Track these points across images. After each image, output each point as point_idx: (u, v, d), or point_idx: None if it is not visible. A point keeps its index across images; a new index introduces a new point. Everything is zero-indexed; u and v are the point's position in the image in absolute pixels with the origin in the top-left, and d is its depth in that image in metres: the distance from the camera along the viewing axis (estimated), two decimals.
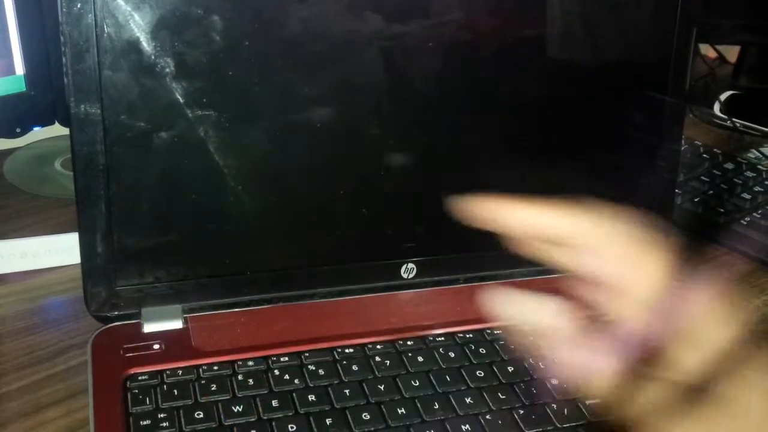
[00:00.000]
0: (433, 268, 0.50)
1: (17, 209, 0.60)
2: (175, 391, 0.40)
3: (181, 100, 0.42)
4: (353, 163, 0.47)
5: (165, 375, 0.41)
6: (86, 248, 0.43)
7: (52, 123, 0.58)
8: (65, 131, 0.61)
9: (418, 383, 0.42)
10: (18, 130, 0.56)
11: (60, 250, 0.52)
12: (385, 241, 0.49)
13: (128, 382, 0.41)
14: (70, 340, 0.46)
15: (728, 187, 0.64)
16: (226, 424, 0.39)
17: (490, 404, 0.42)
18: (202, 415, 0.39)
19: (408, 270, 0.50)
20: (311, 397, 0.41)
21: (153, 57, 0.41)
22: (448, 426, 0.40)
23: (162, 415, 0.38)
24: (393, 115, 0.47)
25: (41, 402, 0.42)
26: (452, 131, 0.49)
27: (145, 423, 0.38)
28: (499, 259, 0.52)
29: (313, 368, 0.43)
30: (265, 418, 0.39)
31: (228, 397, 0.40)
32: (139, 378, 0.41)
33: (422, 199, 0.49)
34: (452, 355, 0.45)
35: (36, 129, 0.58)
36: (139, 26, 0.41)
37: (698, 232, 0.61)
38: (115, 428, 0.38)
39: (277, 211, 0.46)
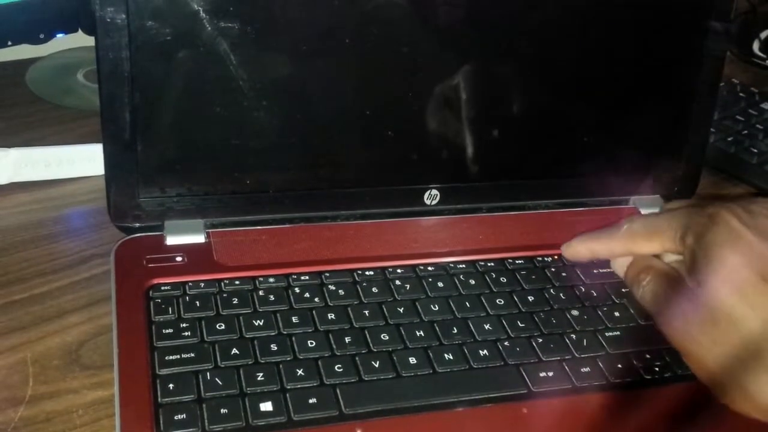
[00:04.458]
0: (456, 196, 0.50)
1: (40, 118, 0.60)
2: (197, 303, 0.40)
3: (209, 8, 0.41)
4: (381, 83, 0.46)
5: (187, 287, 0.41)
6: (110, 157, 0.43)
7: (76, 30, 0.57)
8: (88, 42, 0.60)
9: (437, 308, 0.43)
10: (41, 35, 0.55)
11: (84, 159, 0.52)
12: (410, 166, 0.49)
13: (151, 292, 0.41)
14: (93, 249, 0.47)
15: (763, 128, 0.62)
16: (246, 336, 0.39)
17: (509, 331, 0.42)
18: (223, 327, 0.39)
19: (431, 196, 0.49)
20: (331, 316, 0.41)
21: None
22: (465, 350, 0.40)
23: (184, 325, 0.39)
24: (424, 37, 0.46)
25: (64, 307, 0.43)
26: (484, 55, 0.47)
27: (167, 331, 0.38)
28: (524, 190, 0.52)
29: (333, 288, 0.43)
30: (285, 333, 0.39)
31: (249, 311, 0.40)
32: (162, 288, 0.41)
33: (449, 125, 0.48)
34: (472, 282, 0.45)
35: (59, 36, 0.57)
36: None
37: (729, 171, 0.60)
38: (137, 335, 0.38)
39: (301, 129, 0.46)
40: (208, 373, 0.37)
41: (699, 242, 0.38)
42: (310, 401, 0.36)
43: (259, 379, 0.37)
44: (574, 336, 0.42)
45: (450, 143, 0.49)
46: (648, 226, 0.43)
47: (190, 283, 0.41)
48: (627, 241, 0.43)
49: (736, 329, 0.35)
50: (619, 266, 0.45)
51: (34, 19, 0.54)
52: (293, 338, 0.39)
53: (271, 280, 0.43)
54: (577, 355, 0.41)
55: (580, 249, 0.45)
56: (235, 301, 0.41)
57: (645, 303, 0.42)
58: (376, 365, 0.38)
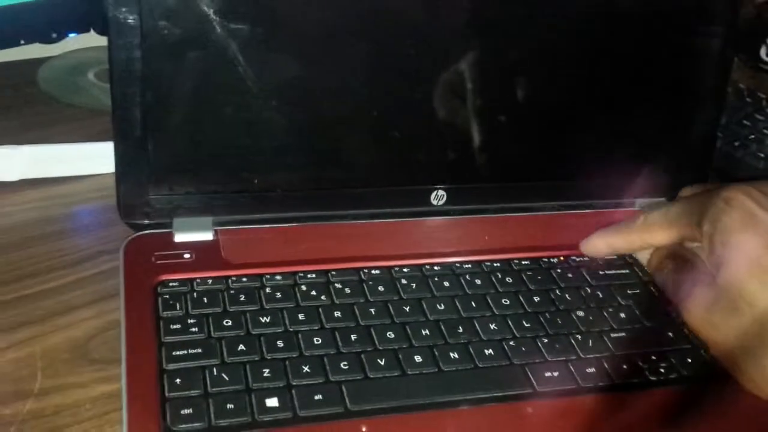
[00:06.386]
0: (463, 197, 0.50)
1: (51, 117, 0.60)
2: (205, 299, 0.41)
3: (220, 9, 0.42)
4: (388, 84, 0.47)
5: (195, 283, 0.42)
6: (120, 155, 0.43)
7: (88, 30, 0.58)
8: (99, 42, 0.61)
9: (443, 307, 0.43)
10: (54, 35, 0.55)
11: (95, 157, 0.52)
12: (417, 167, 0.49)
13: (159, 288, 0.41)
14: (101, 246, 0.47)
15: None
16: (253, 333, 0.39)
17: (515, 331, 0.42)
18: (230, 323, 0.39)
19: (438, 197, 0.49)
20: (337, 314, 0.41)
21: None
22: (471, 349, 0.40)
23: (191, 321, 0.39)
24: (432, 38, 0.46)
25: (73, 303, 0.43)
26: (491, 57, 0.48)
27: (175, 327, 0.39)
28: (530, 191, 0.52)
29: (340, 286, 0.43)
30: (291, 330, 0.40)
31: (256, 308, 0.41)
32: (170, 284, 0.41)
33: (456, 126, 0.49)
34: (478, 282, 0.45)
35: (71, 36, 0.58)
36: None
37: (736, 176, 0.60)
38: (145, 331, 0.38)
39: (309, 129, 0.46)
40: (214, 369, 0.37)
41: (715, 227, 0.38)
42: (316, 398, 0.36)
43: (265, 375, 0.37)
44: (579, 336, 0.42)
45: (457, 144, 0.49)
46: (664, 216, 0.43)
47: (197, 280, 0.42)
48: (644, 233, 0.43)
49: (755, 314, 0.35)
50: (643, 255, 0.45)
51: (47, 19, 0.55)
52: (299, 335, 0.39)
53: (278, 277, 0.43)
54: (582, 355, 0.41)
55: (598, 244, 0.46)
56: (242, 298, 0.41)
57: (667, 289, 0.42)
58: (382, 363, 0.39)
